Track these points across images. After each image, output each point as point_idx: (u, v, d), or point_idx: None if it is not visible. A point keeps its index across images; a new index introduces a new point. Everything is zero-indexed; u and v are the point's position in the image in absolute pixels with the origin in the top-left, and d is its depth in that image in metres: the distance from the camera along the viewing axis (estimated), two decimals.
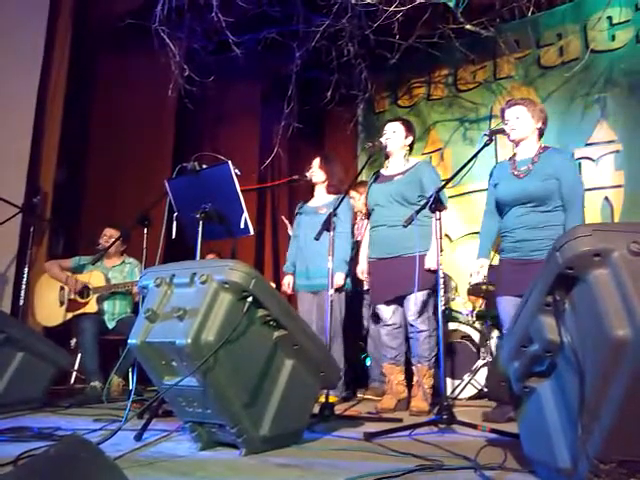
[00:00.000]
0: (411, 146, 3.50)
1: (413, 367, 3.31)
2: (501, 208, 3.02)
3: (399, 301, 3.32)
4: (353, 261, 3.75)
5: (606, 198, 4.48)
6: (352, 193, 4.16)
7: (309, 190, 3.98)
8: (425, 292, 3.21)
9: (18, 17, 4.48)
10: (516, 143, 3.01)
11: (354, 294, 3.90)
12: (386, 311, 3.38)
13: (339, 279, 3.56)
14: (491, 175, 3.13)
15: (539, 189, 2.84)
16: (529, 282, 2.68)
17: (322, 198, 3.85)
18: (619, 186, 4.44)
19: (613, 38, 4.64)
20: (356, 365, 4.24)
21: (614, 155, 4.51)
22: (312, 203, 3.91)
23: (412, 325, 3.25)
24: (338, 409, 3.03)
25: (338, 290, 3.59)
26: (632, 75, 4.47)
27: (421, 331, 3.23)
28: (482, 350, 3.88)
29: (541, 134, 3.01)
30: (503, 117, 3.02)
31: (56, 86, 4.65)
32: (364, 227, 3.98)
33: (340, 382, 3.49)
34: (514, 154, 3.05)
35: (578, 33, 4.83)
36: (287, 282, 3.91)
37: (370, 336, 3.96)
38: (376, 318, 3.61)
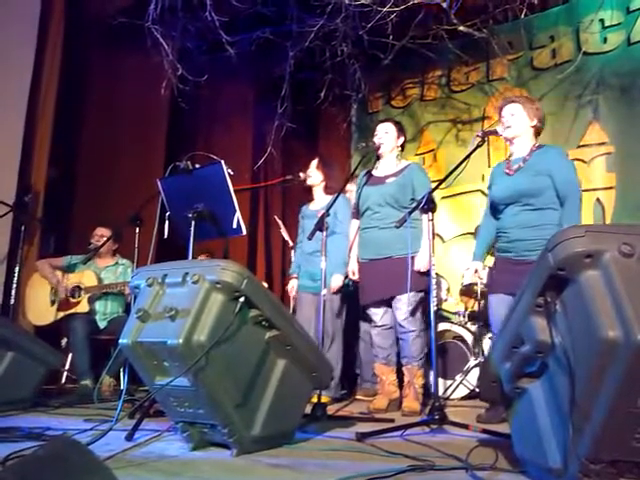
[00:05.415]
0: (402, 147, 3.51)
1: (403, 368, 3.31)
2: (497, 208, 3.02)
3: (389, 302, 3.32)
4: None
5: (598, 200, 4.50)
6: (349, 187, 4.13)
7: (303, 191, 3.97)
8: (415, 293, 3.22)
9: (9, 14, 4.45)
10: (510, 141, 3.01)
11: (356, 295, 3.89)
12: (377, 313, 3.38)
13: (338, 281, 3.56)
14: (490, 177, 3.14)
15: (528, 184, 2.83)
16: (521, 282, 2.70)
17: (322, 200, 3.82)
18: (611, 188, 4.47)
19: (605, 41, 4.67)
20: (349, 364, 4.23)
21: (606, 157, 4.53)
22: (313, 206, 3.89)
23: (401, 325, 3.25)
24: (330, 409, 3.03)
25: (337, 292, 3.59)
26: (624, 77, 4.50)
27: (410, 331, 3.22)
28: (474, 351, 3.90)
29: (537, 133, 2.99)
30: (500, 114, 3.02)
31: (48, 84, 4.62)
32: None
33: (333, 383, 3.49)
34: (510, 154, 3.05)
35: (570, 35, 4.86)
36: (291, 286, 3.93)
37: (360, 337, 3.95)
38: (367, 319, 3.61)
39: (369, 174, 3.52)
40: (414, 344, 3.23)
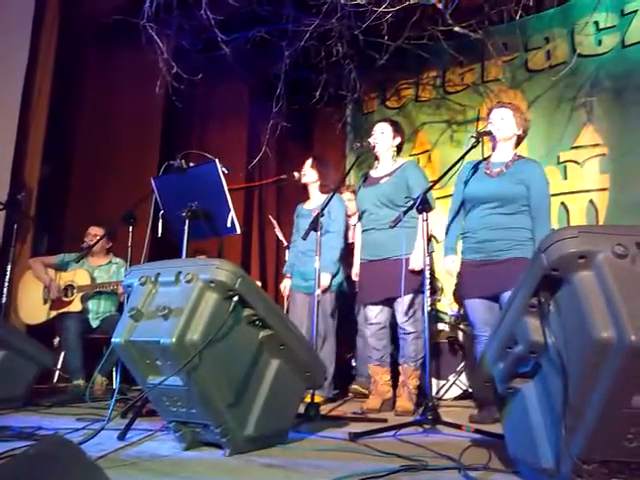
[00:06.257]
0: (399, 147, 3.50)
1: (399, 367, 3.32)
2: (466, 207, 3.07)
3: (386, 302, 3.33)
4: (345, 262, 3.74)
5: (591, 201, 4.52)
6: (346, 195, 4.15)
7: (298, 190, 3.97)
8: (414, 294, 3.22)
9: (3, 12, 4.43)
10: (494, 143, 3.07)
11: (349, 295, 3.89)
12: (372, 309, 3.38)
13: (326, 280, 3.56)
14: (461, 173, 3.16)
15: (510, 190, 2.92)
16: (492, 283, 2.77)
17: (317, 199, 3.83)
18: (604, 189, 4.48)
19: (599, 43, 4.68)
20: (341, 364, 4.24)
21: (599, 158, 4.54)
22: (308, 205, 3.90)
23: (401, 327, 3.26)
24: (323, 409, 3.02)
25: (324, 291, 3.59)
26: (618, 79, 4.51)
27: (409, 333, 3.24)
28: (467, 351, 3.90)
29: (518, 142, 3.09)
30: (489, 116, 3.08)
31: (42, 82, 4.60)
32: (354, 229, 3.98)
33: (326, 382, 3.49)
34: (489, 156, 3.10)
35: (565, 37, 4.87)
36: (284, 285, 3.95)
37: (359, 335, 3.96)
38: (365, 318, 3.62)
39: (367, 175, 3.53)
40: (412, 344, 3.25)
